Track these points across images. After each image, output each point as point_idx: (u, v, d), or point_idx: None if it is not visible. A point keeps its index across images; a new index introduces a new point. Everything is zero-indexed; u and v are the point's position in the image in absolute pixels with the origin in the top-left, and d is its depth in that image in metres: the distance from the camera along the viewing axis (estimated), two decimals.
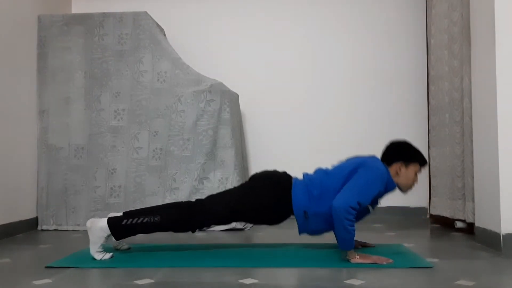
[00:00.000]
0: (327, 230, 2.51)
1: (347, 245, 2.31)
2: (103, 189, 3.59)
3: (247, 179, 3.95)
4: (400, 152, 2.52)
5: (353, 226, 2.28)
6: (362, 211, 2.47)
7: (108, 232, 2.44)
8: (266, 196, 2.49)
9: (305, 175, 2.57)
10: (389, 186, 2.48)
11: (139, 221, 2.45)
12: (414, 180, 2.52)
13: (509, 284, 2.04)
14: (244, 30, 4.30)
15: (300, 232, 2.55)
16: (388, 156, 2.53)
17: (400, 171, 2.49)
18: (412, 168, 2.50)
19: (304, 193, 2.45)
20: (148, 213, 2.48)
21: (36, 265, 2.37)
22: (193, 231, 2.56)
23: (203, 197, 3.41)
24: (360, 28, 4.25)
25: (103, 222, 2.45)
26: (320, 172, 2.55)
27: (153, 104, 3.61)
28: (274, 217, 2.55)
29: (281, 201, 2.47)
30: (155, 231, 2.52)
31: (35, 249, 2.86)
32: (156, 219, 2.46)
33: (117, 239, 2.50)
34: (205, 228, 2.56)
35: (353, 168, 2.43)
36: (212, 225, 2.57)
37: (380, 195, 2.47)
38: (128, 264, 2.37)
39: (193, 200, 2.61)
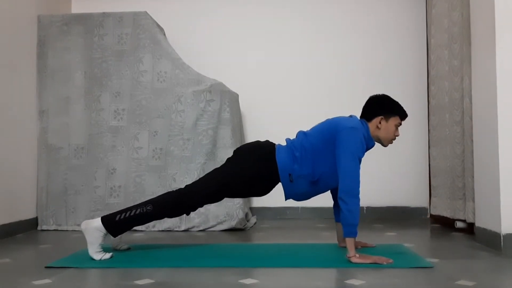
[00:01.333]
0: (311, 193, 2.55)
1: (354, 232, 2.32)
2: (103, 189, 3.59)
3: None
4: (380, 106, 2.54)
5: (358, 204, 2.33)
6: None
7: (104, 231, 2.45)
8: (252, 165, 2.51)
9: (288, 140, 2.60)
10: (369, 144, 2.52)
11: (132, 213, 2.47)
12: (395, 133, 2.55)
13: (510, 284, 2.03)
14: (244, 30, 4.30)
15: (286, 197, 2.58)
16: (368, 111, 2.55)
17: (381, 125, 2.52)
18: (393, 121, 2.53)
19: (288, 156, 2.49)
20: (139, 205, 2.51)
21: (36, 265, 2.37)
22: (188, 214, 2.57)
23: None
24: (360, 28, 4.25)
25: (97, 222, 2.46)
26: (300, 134, 2.58)
27: (153, 104, 3.61)
28: (262, 185, 2.55)
29: (267, 168, 2.49)
30: (150, 221, 2.54)
31: (35, 249, 2.86)
32: (148, 208, 2.48)
33: (114, 236, 2.50)
34: (198, 207, 2.56)
35: (330, 128, 2.46)
36: (205, 204, 2.57)
37: (362, 152, 2.49)
38: (128, 264, 2.37)
39: (183, 186, 2.62)
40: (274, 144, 2.60)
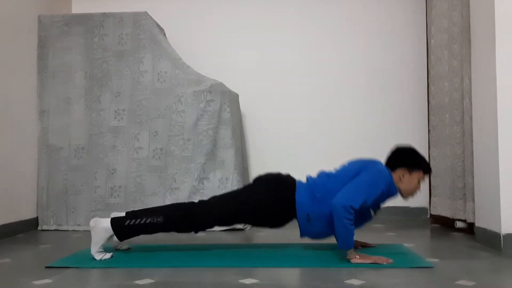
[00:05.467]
0: (328, 233, 2.50)
1: (347, 244, 2.31)
2: (104, 189, 3.59)
3: (247, 179, 3.97)
4: (405, 158, 2.50)
5: (353, 225, 2.27)
6: (363, 215, 2.46)
7: (111, 232, 2.45)
8: (270, 198, 2.48)
9: (309, 178, 2.56)
10: (391, 191, 2.45)
11: (142, 221, 2.46)
12: (417, 187, 2.51)
13: (509, 284, 2.03)
14: (244, 30, 4.30)
15: (302, 235, 2.55)
16: (392, 161, 2.51)
17: (404, 177, 2.48)
18: (416, 175, 2.48)
19: (308, 196, 2.45)
20: (150, 214, 2.49)
21: (36, 265, 2.37)
22: (196, 232, 2.57)
23: (204, 197, 3.43)
24: (360, 28, 4.25)
25: (107, 222, 2.45)
26: (323, 175, 2.55)
27: (153, 104, 3.61)
28: (277, 220, 2.54)
29: (285, 204, 2.47)
30: (158, 232, 2.52)
31: (35, 249, 2.86)
32: (159, 219, 2.46)
33: (120, 240, 2.51)
34: (207, 229, 2.56)
35: (356, 171, 2.44)
36: (215, 226, 2.56)
37: (382, 198, 2.45)
38: (128, 264, 2.37)
39: (196, 200, 2.61)
40: (295, 179, 2.56)
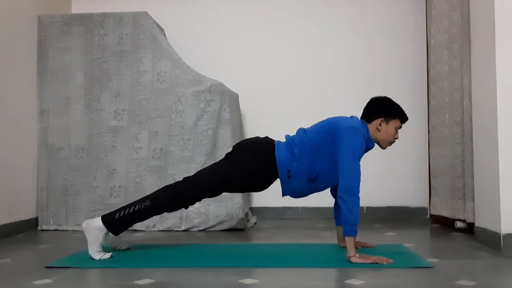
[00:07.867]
0: (309, 191, 2.55)
1: (353, 230, 2.32)
2: (103, 189, 3.59)
3: None
4: (381, 108, 2.54)
5: (358, 203, 2.33)
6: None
7: (105, 230, 2.46)
8: (251, 160, 2.52)
9: (287, 136, 2.61)
10: (369, 145, 2.53)
11: (131, 210, 2.48)
12: (395, 136, 2.55)
13: (510, 284, 2.03)
14: (245, 30, 4.30)
15: (283, 193, 2.59)
16: (369, 112, 2.56)
17: (381, 127, 2.53)
18: (393, 123, 2.53)
19: (287, 152, 2.50)
20: (138, 201, 2.52)
21: (36, 265, 2.37)
22: (186, 207, 2.58)
23: None
24: (360, 28, 4.25)
25: (98, 221, 2.47)
26: (300, 131, 2.60)
27: (153, 104, 3.61)
28: (261, 180, 2.55)
29: (266, 163, 2.50)
30: (150, 216, 2.54)
31: (35, 249, 2.86)
32: (146, 203, 2.49)
33: (115, 234, 2.51)
34: (196, 201, 2.57)
35: (330, 126, 2.48)
36: (203, 198, 2.58)
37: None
38: (128, 264, 2.37)
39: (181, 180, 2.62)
40: (274, 140, 2.61)
